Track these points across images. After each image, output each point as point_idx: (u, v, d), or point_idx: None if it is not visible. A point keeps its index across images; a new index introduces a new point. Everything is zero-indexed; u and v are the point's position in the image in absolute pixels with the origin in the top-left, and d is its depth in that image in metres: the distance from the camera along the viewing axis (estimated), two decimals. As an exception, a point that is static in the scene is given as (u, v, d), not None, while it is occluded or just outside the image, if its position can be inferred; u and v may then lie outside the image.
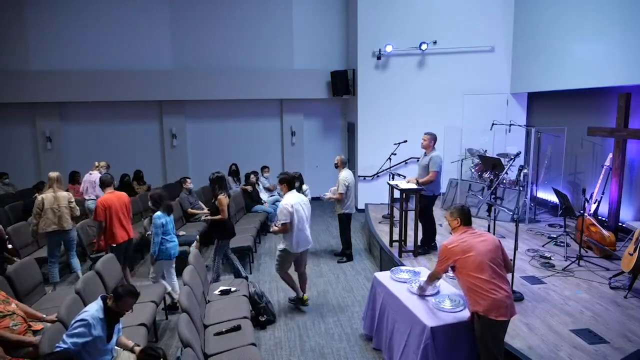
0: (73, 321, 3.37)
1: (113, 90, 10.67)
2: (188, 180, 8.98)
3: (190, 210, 8.65)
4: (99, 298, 3.54)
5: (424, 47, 9.79)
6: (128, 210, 6.08)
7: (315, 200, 9.19)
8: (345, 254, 7.46)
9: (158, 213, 5.49)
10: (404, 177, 7.46)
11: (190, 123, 11.68)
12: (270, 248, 8.24)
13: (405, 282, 4.44)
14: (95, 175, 8.40)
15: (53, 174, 6.34)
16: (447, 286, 4.41)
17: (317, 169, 11.96)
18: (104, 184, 6.07)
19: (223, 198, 6.03)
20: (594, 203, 6.94)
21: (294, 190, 5.53)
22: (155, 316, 4.90)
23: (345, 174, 7.11)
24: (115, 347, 3.65)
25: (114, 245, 5.84)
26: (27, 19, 10.53)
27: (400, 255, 6.33)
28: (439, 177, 6.29)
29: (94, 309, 3.43)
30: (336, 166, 7.30)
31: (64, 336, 3.29)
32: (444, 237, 7.10)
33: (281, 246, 5.49)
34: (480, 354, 3.57)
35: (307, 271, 7.00)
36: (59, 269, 6.35)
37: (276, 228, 5.43)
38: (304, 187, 7.27)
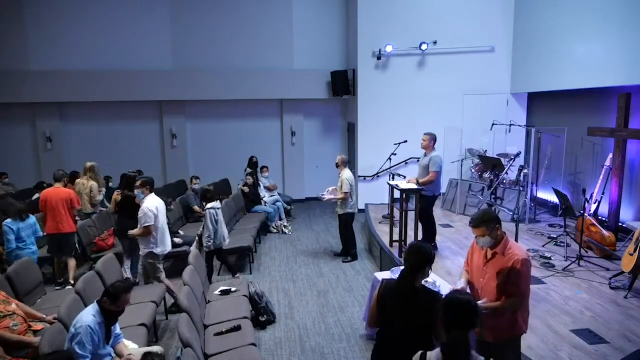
0: (72, 329, 3.34)
1: (113, 90, 10.67)
2: (194, 180, 9.06)
3: (196, 208, 8.68)
4: (94, 303, 3.52)
5: (424, 47, 9.79)
6: (67, 206, 6.35)
7: (314, 200, 9.20)
8: (350, 253, 7.45)
9: (8, 220, 5.43)
10: (404, 177, 7.45)
11: (190, 123, 11.68)
12: (270, 248, 8.24)
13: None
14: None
15: (87, 164, 7.65)
16: (445, 285, 4.41)
17: (317, 169, 11.96)
18: (54, 178, 6.57)
19: (115, 194, 6.52)
20: (594, 203, 6.95)
21: (153, 193, 5.59)
22: (155, 316, 4.91)
23: (347, 174, 7.11)
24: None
25: (45, 234, 6.31)
26: (26, 19, 10.52)
27: (400, 255, 6.33)
28: (439, 177, 6.29)
29: (89, 316, 3.40)
30: (337, 165, 7.29)
31: (76, 347, 3.26)
32: (444, 237, 7.14)
33: (144, 251, 5.43)
34: None
35: (307, 271, 7.04)
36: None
37: (136, 231, 5.41)
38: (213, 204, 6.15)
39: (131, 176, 6.60)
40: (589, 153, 8.15)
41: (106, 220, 7.48)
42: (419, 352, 2.34)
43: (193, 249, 6.32)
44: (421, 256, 2.76)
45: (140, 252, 5.51)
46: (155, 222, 5.36)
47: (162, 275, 5.55)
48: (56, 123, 11.04)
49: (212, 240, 6.03)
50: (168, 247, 5.66)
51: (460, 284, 3.28)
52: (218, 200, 6.29)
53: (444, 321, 2.33)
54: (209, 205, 6.10)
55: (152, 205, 5.36)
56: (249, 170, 10.23)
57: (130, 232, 5.55)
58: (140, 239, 5.44)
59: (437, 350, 2.30)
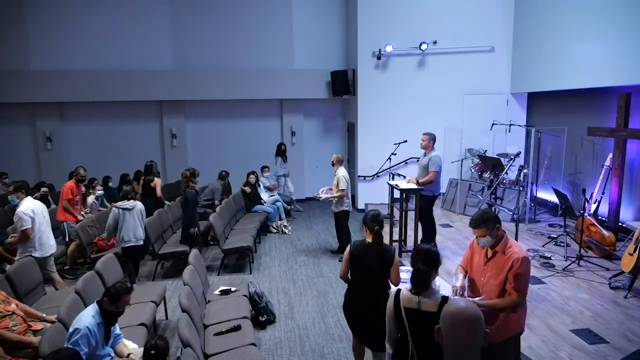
0: (71, 330, 3.34)
1: (113, 90, 10.67)
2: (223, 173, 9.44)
3: (217, 202, 8.88)
4: (95, 303, 3.51)
5: (424, 47, 9.79)
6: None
7: (314, 200, 9.20)
8: None
9: None
10: (404, 177, 7.46)
11: (190, 123, 11.68)
12: (270, 248, 8.24)
13: (406, 282, 4.43)
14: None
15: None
16: (445, 285, 4.40)
17: (317, 169, 11.96)
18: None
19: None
20: (594, 203, 6.95)
21: (30, 197, 5.57)
22: (155, 316, 4.90)
23: (343, 172, 7.13)
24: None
25: None
26: (26, 19, 10.52)
27: (400, 255, 6.33)
28: (438, 177, 6.29)
29: (89, 317, 3.39)
30: (333, 164, 7.32)
31: (69, 345, 3.25)
32: (444, 237, 7.14)
33: (24, 255, 5.35)
34: None
35: (307, 271, 7.03)
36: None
37: (13, 239, 5.37)
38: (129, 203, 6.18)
39: (149, 165, 8.08)
40: (589, 153, 8.15)
41: (106, 220, 7.46)
42: (395, 289, 2.92)
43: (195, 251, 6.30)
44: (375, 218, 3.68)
45: (17, 257, 5.48)
46: (33, 225, 5.31)
47: (53, 270, 5.68)
48: (56, 123, 11.03)
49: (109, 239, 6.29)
50: (50, 250, 5.63)
51: (459, 281, 3.30)
52: (134, 201, 6.31)
53: (414, 262, 2.86)
54: (117, 203, 6.20)
55: (27, 208, 5.30)
56: (280, 160, 10.41)
57: (8, 239, 5.54)
58: (20, 244, 5.37)
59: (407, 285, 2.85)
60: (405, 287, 2.89)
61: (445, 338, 1.91)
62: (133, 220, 6.20)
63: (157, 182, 8.05)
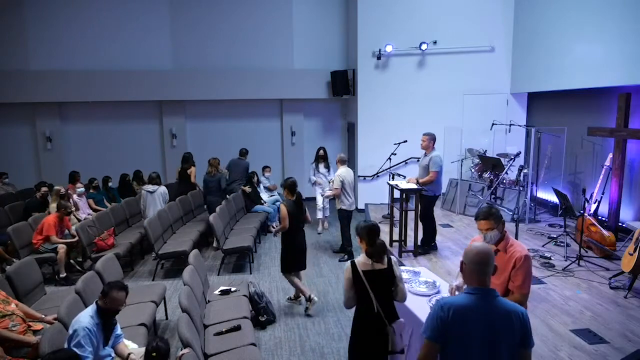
0: (71, 330, 3.33)
1: (113, 90, 10.67)
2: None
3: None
4: (93, 304, 3.50)
5: (424, 47, 9.79)
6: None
7: (313, 200, 9.20)
8: (346, 251, 7.46)
9: None
10: (404, 177, 7.46)
11: (190, 123, 11.68)
12: (270, 248, 8.24)
13: (406, 283, 4.43)
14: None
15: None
16: (445, 285, 4.40)
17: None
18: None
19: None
20: (594, 203, 6.95)
21: None
22: (155, 316, 4.90)
23: (341, 171, 7.15)
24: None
25: None
26: (27, 19, 10.52)
27: (400, 255, 6.33)
28: (439, 177, 6.29)
29: (87, 317, 3.39)
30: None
31: (75, 350, 3.22)
32: (444, 237, 7.14)
33: None
34: None
35: (307, 271, 7.02)
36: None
37: None
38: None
39: (187, 155, 9.15)
40: (589, 153, 8.16)
41: (106, 220, 7.48)
42: (349, 261, 3.32)
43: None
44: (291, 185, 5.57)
45: None
46: None
47: None
48: (56, 123, 11.03)
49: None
50: None
51: (456, 281, 3.33)
52: (157, 186, 7.83)
53: (367, 239, 3.30)
54: (144, 187, 7.97)
55: None
56: (313, 166, 9.14)
57: None
58: None
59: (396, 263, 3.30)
60: (360, 259, 3.33)
61: (467, 265, 2.32)
62: (154, 201, 7.77)
63: (193, 170, 9.16)
